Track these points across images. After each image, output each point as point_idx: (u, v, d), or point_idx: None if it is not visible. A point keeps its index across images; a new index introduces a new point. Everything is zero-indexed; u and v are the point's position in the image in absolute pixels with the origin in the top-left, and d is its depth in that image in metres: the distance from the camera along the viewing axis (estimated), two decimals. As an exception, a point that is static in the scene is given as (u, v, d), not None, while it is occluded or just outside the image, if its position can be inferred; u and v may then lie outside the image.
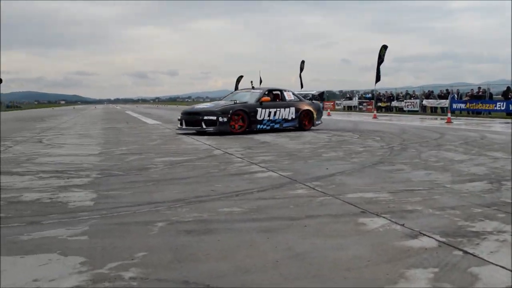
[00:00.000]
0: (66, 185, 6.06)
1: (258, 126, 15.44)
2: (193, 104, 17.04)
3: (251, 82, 17.36)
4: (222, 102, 15.89)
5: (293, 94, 17.10)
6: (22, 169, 7.56)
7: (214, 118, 14.54)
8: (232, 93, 18.28)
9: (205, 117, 14.68)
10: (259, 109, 15.47)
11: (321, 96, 40.70)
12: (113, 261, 3.20)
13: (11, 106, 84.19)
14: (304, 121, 16.72)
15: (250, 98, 15.84)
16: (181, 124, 15.68)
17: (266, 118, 15.63)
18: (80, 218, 4.36)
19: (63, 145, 11.86)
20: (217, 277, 2.92)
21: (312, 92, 19.03)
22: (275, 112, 15.86)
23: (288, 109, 16.25)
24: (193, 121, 15.06)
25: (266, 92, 16.29)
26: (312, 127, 16.92)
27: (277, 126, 15.94)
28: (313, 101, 19.12)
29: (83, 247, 3.53)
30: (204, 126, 14.62)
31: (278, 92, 16.76)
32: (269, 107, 15.72)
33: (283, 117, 16.10)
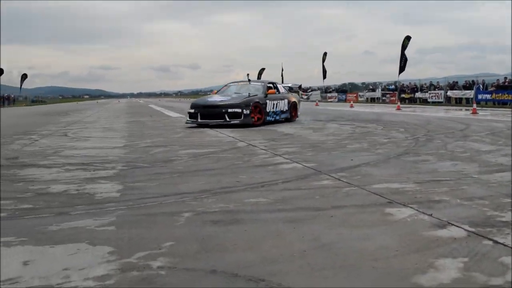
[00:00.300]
0: (92, 177, 6.12)
1: (267, 118, 15.68)
2: (196, 98, 16.58)
3: (247, 75, 17.40)
4: (235, 95, 15.77)
5: (282, 87, 17.53)
6: (49, 162, 7.66)
7: (239, 110, 14.55)
8: (226, 85, 17.76)
9: (230, 110, 14.63)
10: (267, 101, 15.72)
11: (300, 88, 42.25)
12: (141, 251, 3.22)
13: (36, 101, 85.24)
14: (293, 112, 17.36)
15: (257, 90, 15.96)
16: (193, 117, 15.30)
17: (272, 110, 15.95)
18: (107, 209, 4.40)
19: (88, 138, 11.99)
20: (244, 267, 2.91)
21: (289, 85, 19.28)
22: (276, 104, 16.22)
23: (283, 101, 16.70)
24: (214, 114, 14.86)
25: (270, 85, 16.66)
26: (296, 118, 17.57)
27: (277, 117, 16.26)
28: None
29: (110, 237, 3.56)
30: (228, 119, 14.56)
31: (274, 85, 17.21)
32: (272, 99, 16.01)
33: (281, 109, 16.45)
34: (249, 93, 15.57)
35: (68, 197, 4.98)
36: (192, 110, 15.43)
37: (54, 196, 5.02)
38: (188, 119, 15.55)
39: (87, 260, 3.08)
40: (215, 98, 15.86)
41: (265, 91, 16.05)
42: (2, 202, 4.75)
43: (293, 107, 17.32)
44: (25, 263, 3.04)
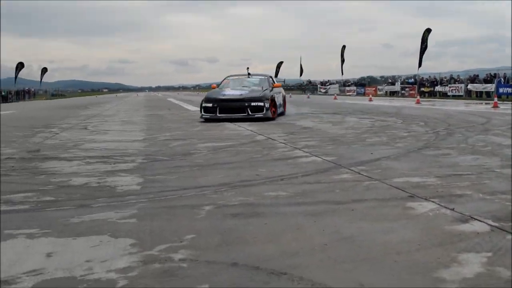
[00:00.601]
0: (113, 170, 6.16)
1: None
2: (208, 91, 16.08)
3: (247, 68, 17.31)
4: (252, 88, 15.66)
5: None
6: (70, 155, 7.73)
7: (262, 104, 14.52)
8: (227, 79, 17.37)
9: (252, 104, 14.54)
10: (275, 95, 15.74)
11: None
12: (162, 243, 3.24)
13: (56, 95, 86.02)
14: (284, 106, 17.45)
15: (264, 84, 15.96)
16: (211, 111, 14.84)
17: (278, 103, 15.95)
18: (128, 202, 4.43)
19: (107, 132, 12.08)
20: (265, 260, 2.91)
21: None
22: (278, 98, 16.25)
23: (279, 94, 16.67)
24: (235, 108, 14.65)
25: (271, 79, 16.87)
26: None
27: (279, 111, 16.18)
28: None
29: (132, 230, 3.58)
30: (250, 113, 14.46)
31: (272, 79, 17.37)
32: (276, 93, 16.05)
33: (279, 102, 16.38)
34: (262, 87, 15.57)
35: (89, 189, 5.02)
36: (210, 104, 14.97)
37: (75, 189, 5.07)
38: (204, 113, 15.07)
39: (109, 252, 3.10)
40: (232, 92, 15.58)
41: (271, 84, 16.21)
42: (24, 194, 4.80)
43: (284, 100, 17.47)
44: (49, 255, 3.07)
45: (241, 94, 15.12)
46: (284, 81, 43.01)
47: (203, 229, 3.57)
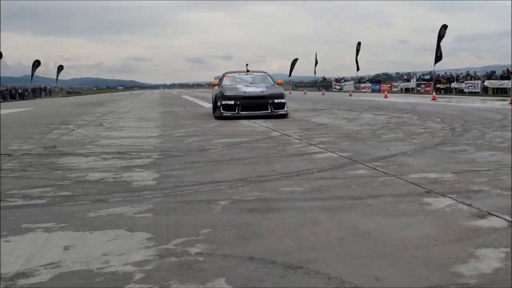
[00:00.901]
0: (128, 166, 6.20)
1: None
2: (221, 88, 15.24)
3: (246, 65, 16.83)
4: (264, 84, 15.51)
5: None
6: (86, 151, 7.78)
7: (284, 101, 14.49)
8: (227, 76, 16.64)
9: (276, 101, 14.44)
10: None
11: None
12: (179, 237, 3.25)
13: (71, 92, 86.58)
14: None
15: (270, 81, 15.90)
16: (231, 109, 14.39)
17: None
18: (144, 197, 4.45)
19: (123, 128, 12.14)
20: (282, 254, 2.91)
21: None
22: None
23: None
24: (258, 105, 14.40)
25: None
26: None
27: None
28: None
29: (148, 224, 3.60)
30: (272, 110, 14.36)
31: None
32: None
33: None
34: (272, 84, 15.52)
35: (105, 184, 5.05)
36: (231, 102, 14.41)
37: (92, 184, 5.10)
38: (224, 111, 14.45)
39: (126, 246, 3.12)
40: (252, 89, 15.05)
41: (275, 81, 16.08)
42: (42, 189, 4.85)
43: None
44: (66, 248, 3.10)
45: (262, 91, 14.77)
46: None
47: (220, 223, 3.58)
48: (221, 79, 16.50)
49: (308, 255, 2.91)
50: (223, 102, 14.56)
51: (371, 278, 2.55)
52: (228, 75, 16.72)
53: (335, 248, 3.02)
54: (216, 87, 16.05)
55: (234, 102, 14.45)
